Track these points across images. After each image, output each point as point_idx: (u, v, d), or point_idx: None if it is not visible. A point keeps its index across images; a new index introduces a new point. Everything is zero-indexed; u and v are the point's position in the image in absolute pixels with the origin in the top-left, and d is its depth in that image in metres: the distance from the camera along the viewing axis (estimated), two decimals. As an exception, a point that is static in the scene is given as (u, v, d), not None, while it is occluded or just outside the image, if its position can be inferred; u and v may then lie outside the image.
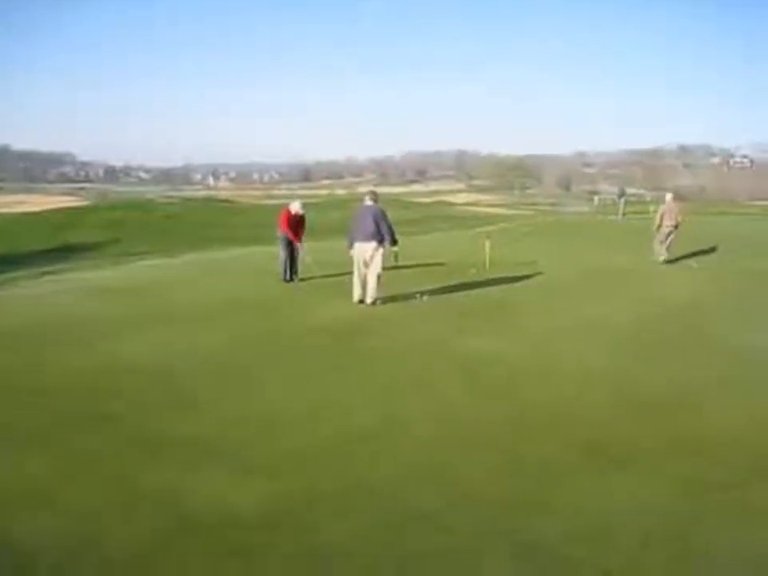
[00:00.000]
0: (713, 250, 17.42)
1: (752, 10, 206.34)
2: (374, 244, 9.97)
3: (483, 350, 7.61)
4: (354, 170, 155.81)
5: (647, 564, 3.50)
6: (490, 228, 26.26)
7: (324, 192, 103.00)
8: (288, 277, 12.27)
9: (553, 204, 60.39)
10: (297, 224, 12.52)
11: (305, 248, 12.62)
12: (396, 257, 10.89)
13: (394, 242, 10.30)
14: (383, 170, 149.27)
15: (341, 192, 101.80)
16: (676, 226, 15.19)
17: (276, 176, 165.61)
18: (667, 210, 15.42)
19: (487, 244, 13.96)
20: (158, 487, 4.24)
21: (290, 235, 12.28)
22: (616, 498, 4.17)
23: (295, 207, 12.61)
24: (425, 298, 10.48)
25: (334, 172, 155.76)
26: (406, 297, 10.50)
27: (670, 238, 15.28)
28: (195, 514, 3.90)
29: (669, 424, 5.43)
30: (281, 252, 12.32)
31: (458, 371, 6.86)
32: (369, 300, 10.06)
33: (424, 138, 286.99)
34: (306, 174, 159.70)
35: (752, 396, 6.19)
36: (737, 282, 12.80)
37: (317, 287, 11.73)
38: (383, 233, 10.01)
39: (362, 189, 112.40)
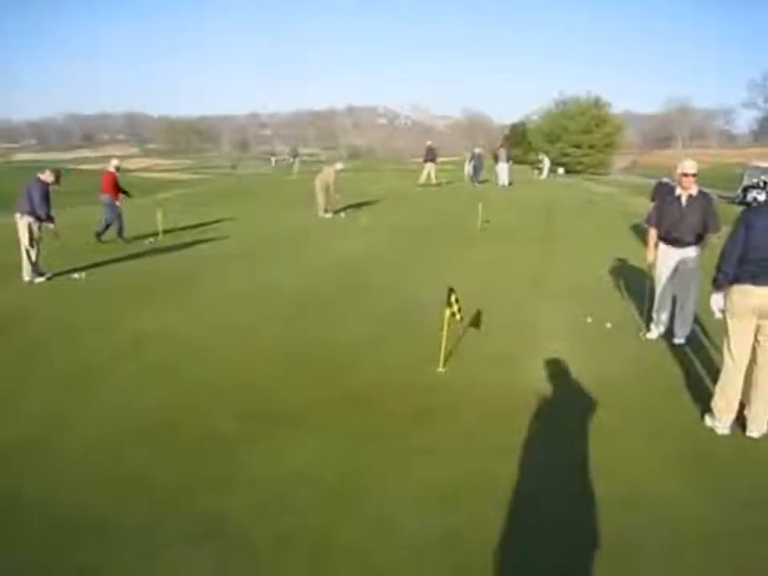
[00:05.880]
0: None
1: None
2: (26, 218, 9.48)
3: (154, 327, 7.28)
4: (7, 135, 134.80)
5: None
6: (166, 195, 25.23)
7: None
8: None
9: (233, 166, 60.14)
10: None
11: None
12: (57, 235, 9.96)
13: (49, 219, 9.71)
14: (43, 135, 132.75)
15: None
16: (327, 188, 17.09)
17: None
18: (324, 175, 17.28)
19: (159, 213, 13.42)
20: None
21: None
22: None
23: None
24: (83, 275, 9.91)
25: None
26: (64, 274, 9.91)
27: (328, 198, 17.25)
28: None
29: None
30: None
31: (131, 349, 6.57)
32: (26, 278, 9.55)
33: (88, 99, 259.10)
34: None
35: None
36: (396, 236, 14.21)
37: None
38: (35, 207, 9.50)
39: (21, 156, 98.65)
